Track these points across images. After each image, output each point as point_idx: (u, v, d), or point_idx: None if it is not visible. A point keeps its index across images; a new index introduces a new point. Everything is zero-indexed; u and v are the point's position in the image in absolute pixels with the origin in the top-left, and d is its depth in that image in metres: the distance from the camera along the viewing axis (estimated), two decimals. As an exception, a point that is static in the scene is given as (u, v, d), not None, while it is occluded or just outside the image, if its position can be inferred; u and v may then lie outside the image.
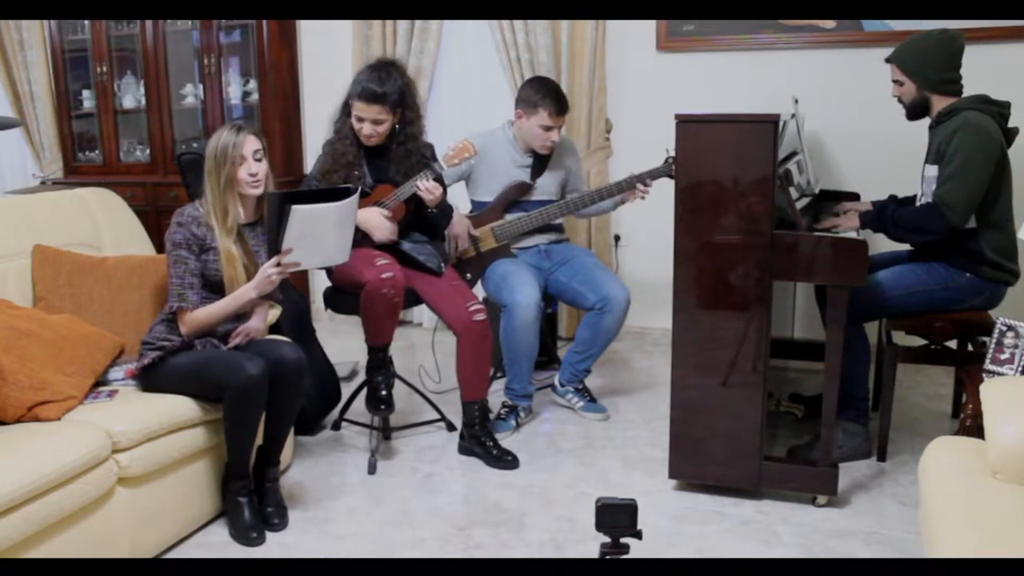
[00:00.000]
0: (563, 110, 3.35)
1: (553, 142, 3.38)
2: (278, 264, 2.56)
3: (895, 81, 2.96)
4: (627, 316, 3.34)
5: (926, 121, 3.00)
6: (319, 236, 2.57)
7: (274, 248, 2.55)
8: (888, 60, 2.96)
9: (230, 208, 2.63)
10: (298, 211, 2.48)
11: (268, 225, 2.56)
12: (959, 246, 2.85)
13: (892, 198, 3.19)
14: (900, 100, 2.98)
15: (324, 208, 2.54)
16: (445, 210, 3.19)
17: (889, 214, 2.90)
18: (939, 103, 2.90)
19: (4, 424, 2.28)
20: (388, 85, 2.98)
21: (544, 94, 3.33)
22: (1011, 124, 2.87)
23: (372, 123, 3.02)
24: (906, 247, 3.14)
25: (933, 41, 2.87)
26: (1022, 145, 2.91)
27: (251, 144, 2.62)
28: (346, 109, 3.09)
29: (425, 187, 3.01)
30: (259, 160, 2.64)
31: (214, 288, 2.65)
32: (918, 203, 2.98)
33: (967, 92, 2.90)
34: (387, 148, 3.12)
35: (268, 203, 2.53)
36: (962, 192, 2.74)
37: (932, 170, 2.86)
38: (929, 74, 2.87)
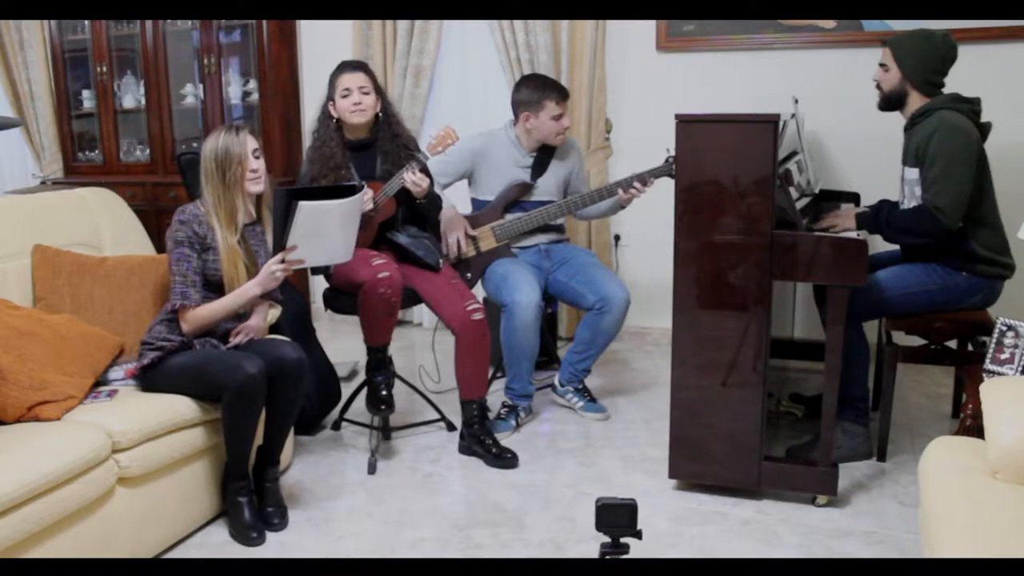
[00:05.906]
0: (566, 95, 3.42)
1: (566, 128, 3.42)
2: (282, 261, 2.57)
3: (881, 64, 2.96)
4: (627, 316, 3.34)
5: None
6: (324, 233, 2.59)
7: (279, 245, 2.57)
8: (885, 43, 2.96)
9: (239, 205, 2.66)
10: (305, 207, 2.49)
11: (274, 221, 2.58)
12: (952, 248, 2.86)
13: (884, 203, 3.19)
14: (879, 86, 2.98)
15: (330, 204, 2.56)
16: (433, 200, 3.20)
17: (883, 216, 2.91)
18: (915, 101, 2.92)
19: (4, 424, 2.29)
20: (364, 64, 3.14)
21: (543, 88, 3.37)
22: (985, 120, 2.89)
23: (360, 91, 3.05)
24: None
25: (935, 41, 2.88)
26: (1008, 144, 2.91)
27: (251, 143, 2.67)
28: (326, 111, 3.12)
29: (412, 180, 3.02)
30: (258, 158, 2.68)
31: (213, 288, 2.66)
32: (902, 206, 2.99)
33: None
34: (372, 141, 3.14)
35: (275, 199, 2.55)
36: (951, 193, 2.75)
37: (912, 172, 2.88)
38: (919, 68, 2.88)
